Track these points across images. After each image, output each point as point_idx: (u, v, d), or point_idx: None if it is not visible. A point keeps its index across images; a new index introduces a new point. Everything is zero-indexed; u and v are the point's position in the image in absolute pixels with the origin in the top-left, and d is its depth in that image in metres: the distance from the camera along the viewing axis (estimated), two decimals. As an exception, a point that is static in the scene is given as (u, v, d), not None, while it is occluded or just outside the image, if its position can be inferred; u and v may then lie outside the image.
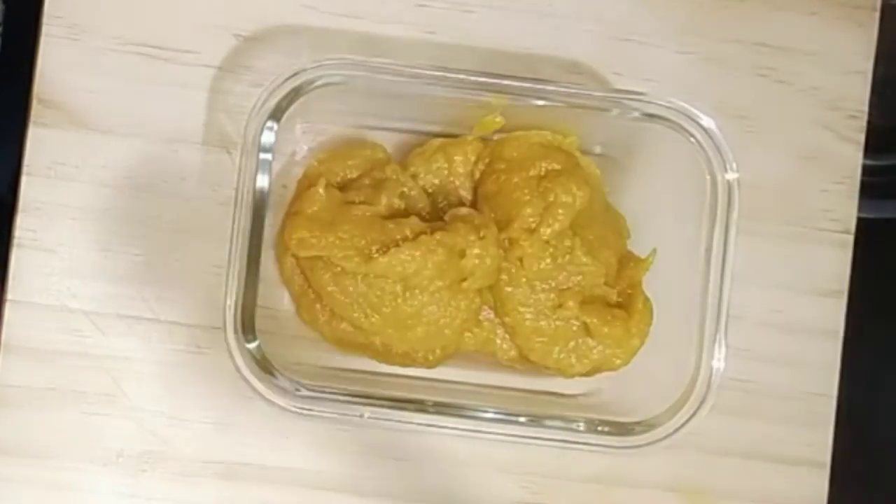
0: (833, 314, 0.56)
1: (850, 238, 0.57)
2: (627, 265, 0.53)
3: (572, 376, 0.53)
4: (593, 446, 0.51)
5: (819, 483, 0.56)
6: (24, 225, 0.54)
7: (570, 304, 0.52)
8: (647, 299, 0.53)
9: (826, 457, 0.56)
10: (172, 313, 0.55)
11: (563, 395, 0.55)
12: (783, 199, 0.56)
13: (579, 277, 0.53)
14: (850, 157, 0.57)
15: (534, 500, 0.55)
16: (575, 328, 0.52)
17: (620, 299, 0.53)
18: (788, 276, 0.56)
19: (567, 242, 0.52)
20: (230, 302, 0.49)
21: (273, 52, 0.55)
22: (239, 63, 0.55)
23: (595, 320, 0.52)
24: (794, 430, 0.56)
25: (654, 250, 0.53)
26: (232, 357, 0.50)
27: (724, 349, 0.50)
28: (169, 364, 0.54)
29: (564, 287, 0.52)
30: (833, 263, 0.57)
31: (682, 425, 0.50)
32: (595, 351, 0.53)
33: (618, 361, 0.53)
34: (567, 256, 0.52)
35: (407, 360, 0.53)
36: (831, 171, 0.57)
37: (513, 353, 0.53)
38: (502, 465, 0.55)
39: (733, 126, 0.55)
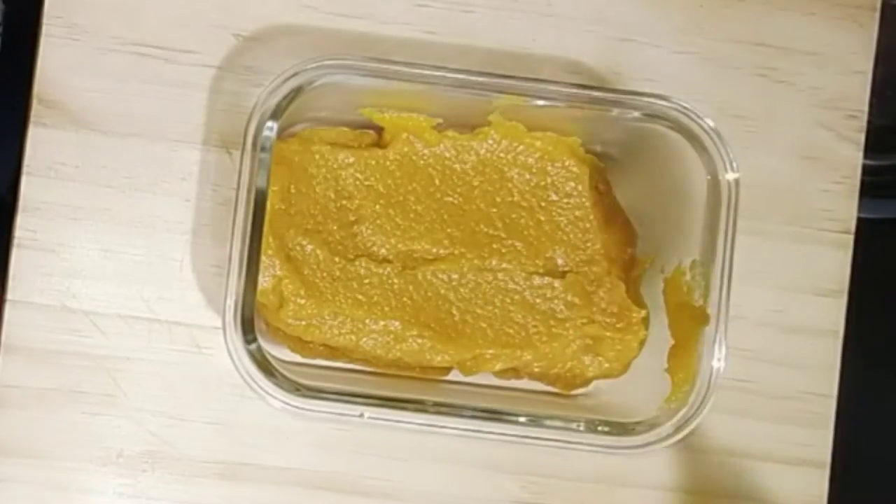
0: (833, 314, 0.56)
1: (850, 238, 0.57)
2: (628, 272, 0.53)
3: (572, 390, 0.53)
4: (593, 446, 0.51)
5: (819, 483, 0.56)
6: (24, 225, 0.54)
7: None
8: (640, 310, 0.53)
9: (826, 457, 0.56)
10: (172, 313, 0.54)
11: (563, 395, 0.55)
12: (783, 199, 0.56)
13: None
14: (850, 157, 0.57)
15: (534, 500, 0.55)
16: (573, 349, 0.53)
17: (615, 310, 0.53)
18: (788, 276, 0.56)
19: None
20: (230, 302, 0.49)
21: (273, 52, 0.55)
22: (239, 63, 0.55)
23: (589, 340, 0.52)
24: (794, 430, 0.56)
25: (652, 259, 0.53)
26: (232, 357, 0.50)
27: (724, 349, 0.50)
28: (169, 364, 0.54)
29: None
30: (833, 263, 0.57)
31: (683, 425, 0.50)
32: (590, 369, 0.53)
33: (615, 373, 0.53)
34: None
35: (404, 369, 0.53)
36: (831, 171, 0.57)
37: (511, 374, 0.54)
38: (502, 465, 0.55)
39: (733, 126, 0.55)
